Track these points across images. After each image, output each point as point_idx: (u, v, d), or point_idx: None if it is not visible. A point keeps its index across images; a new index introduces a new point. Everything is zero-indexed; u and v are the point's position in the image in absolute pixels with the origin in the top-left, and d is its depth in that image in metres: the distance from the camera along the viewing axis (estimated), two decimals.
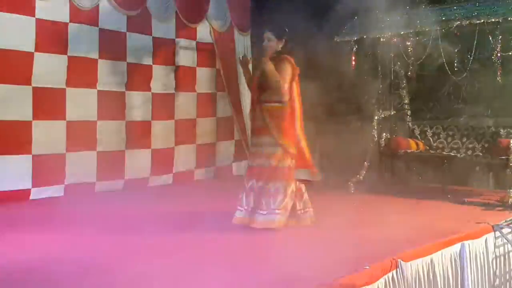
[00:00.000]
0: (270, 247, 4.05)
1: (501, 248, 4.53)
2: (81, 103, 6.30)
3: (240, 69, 5.00)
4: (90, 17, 6.35)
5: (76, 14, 6.20)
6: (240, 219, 4.55)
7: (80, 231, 4.39)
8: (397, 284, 3.44)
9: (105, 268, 3.41)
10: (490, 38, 5.71)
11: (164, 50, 7.24)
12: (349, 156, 6.48)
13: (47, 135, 5.97)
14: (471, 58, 5.97)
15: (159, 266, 3.45)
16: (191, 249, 3.93)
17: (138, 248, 3.94)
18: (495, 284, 4.45)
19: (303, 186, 4.73)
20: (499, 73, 5.72)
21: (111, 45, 6.58)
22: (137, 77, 6.92)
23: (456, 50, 6.16)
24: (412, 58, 6.47)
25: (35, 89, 5.87)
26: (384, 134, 6.76)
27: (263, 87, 4.61)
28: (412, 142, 6.69)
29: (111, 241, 4.12)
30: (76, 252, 3.82)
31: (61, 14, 6.09)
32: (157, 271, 3.36)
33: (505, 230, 4.54)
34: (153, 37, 7.10)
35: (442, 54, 6.03)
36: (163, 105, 7.21)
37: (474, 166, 6.14)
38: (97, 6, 6.39)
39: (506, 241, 4.52)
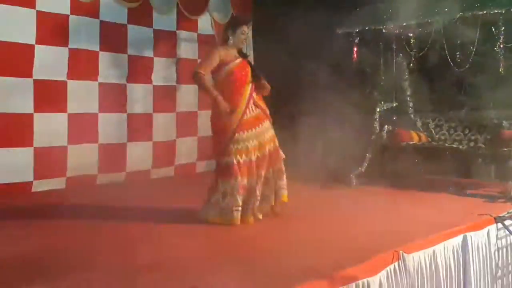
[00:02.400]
0: (271, 239, 4.04)
1: (503, 240, 4.54)
2: (82, 96, 6.30)
3: None
4: (90, 10, 6.33)
5: (77, 6, 6.18)
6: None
7: (81, 224, 4.39)
8: (399, 276, 3.44)
9: (106, 260, 3.42)
10: (493, 29, 5.68)
11: (165, 43, 7.22)
12: (350, 148, 6.45)
13: (49, 128, 5.96)
14: (474, 49, 5.93)
15: (163, 258, 3.45)
16: (193, 242, 3.93)
17: (141, 240, 3.94)
18: (497, 275, 4.45)
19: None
20: (501, 65, 5.69)
21: (112, 37, 6.57)
22: (138, 70, 6.90)
23: (458, 42, 6.13)
24: (415, 50, 6.44)
25: (36, 82, 5.85)
26: (386, 126, 6.72)
27: (256, 80, 4.66)
28: (414, 134, 6.66)
29: (112, 234, 4.12)
30: (77, 245, 3.82)
31: (62, 6, 6.08)
32: (162, 263, 3.36)
33: (507, 222, 4.53)
34: (154, 29, 7.08)
35: (445, 45, 6.00)
36: (164, 98, 7.20)
37: (476, 158, 6.11)
38: None
39: (508, 232, 4.52)
